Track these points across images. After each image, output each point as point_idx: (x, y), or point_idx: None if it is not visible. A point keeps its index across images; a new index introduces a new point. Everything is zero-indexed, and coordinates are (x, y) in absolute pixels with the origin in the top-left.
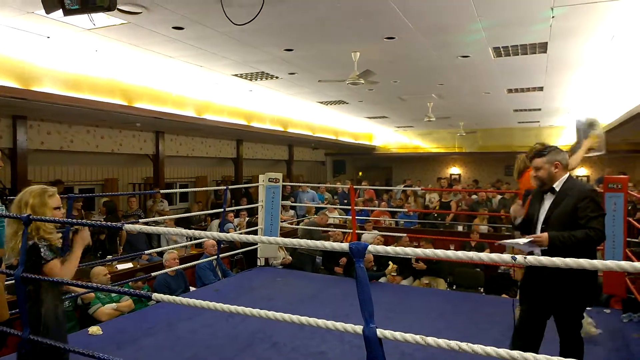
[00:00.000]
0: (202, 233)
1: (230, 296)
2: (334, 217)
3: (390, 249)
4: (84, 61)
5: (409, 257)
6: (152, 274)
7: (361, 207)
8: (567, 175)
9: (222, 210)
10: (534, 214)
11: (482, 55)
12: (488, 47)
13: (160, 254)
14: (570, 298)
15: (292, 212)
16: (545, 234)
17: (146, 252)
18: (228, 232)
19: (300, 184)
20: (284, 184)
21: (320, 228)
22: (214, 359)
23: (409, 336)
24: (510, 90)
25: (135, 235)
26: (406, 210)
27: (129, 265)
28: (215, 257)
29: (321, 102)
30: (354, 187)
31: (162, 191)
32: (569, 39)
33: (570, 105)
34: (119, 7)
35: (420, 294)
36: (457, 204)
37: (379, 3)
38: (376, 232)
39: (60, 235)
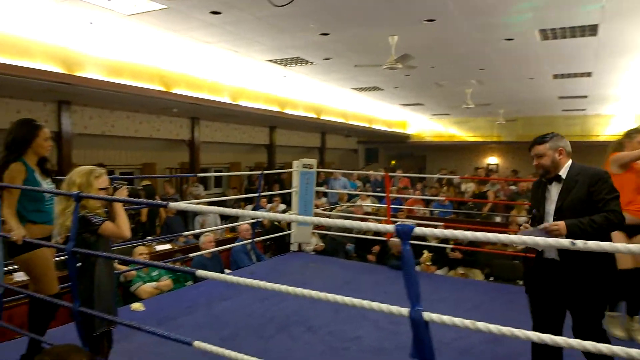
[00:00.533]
0: (250, 212)
1: (264, 279)
2: (366, 205)
3: (439, 232)
4: (125, 47)
5: (447, 245)
6: (190, 255)
7: (396, 195)
8: (570, 161)
9: (256, 195)
10: (539, 206)
11: (528, 38)
12: (534, 29)
13: (197, 237)
14: (588, 292)
15: (324, 199)
16: (562, 222)
17: (185, 233)
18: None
19: (332, 170)
20: (317, 170)
21: (354, 215)
22: (252, 338)
23: (457, 320)
24: (556, 76)
25: (173, 218)
26: (442, 199)
27: (168, 246)
28: (250, 241)
29: (355, 89)
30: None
31: (199, 174)
32: (622, 22)
33: (621, 93)
34: None
35: (456, 284)
36: (495, 194)
37: None
38: (410, 221)
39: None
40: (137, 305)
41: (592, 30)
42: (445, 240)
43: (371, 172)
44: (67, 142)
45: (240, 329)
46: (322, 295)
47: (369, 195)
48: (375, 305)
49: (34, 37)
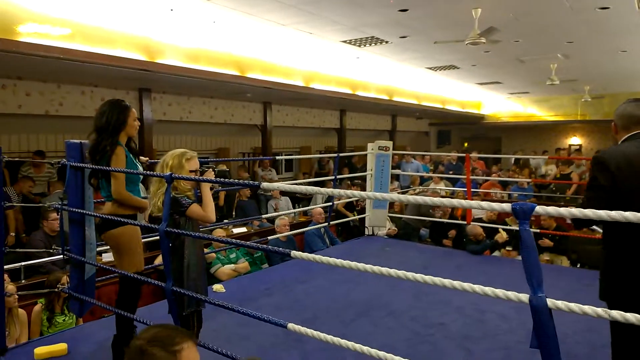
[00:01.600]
0: (345, 192)
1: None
2: (440, 189)
3: (564, 210)
4: (202, 33)
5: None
6: (269, 237)
7: (473, 177)
8: None
9: (331, 178)
10: None
11: (625, 6)
12: None
13: (271, 220)
14: None
15: (395, 183)
16: None
17: (263, 216)
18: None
19: (405, 152)
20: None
21: (428, 197)
22: (334, 321)
23: (587, 308)
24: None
25: (247, 202)
26: (523, 180)
27: (244, 229)
28: (324, 224)
29: (430, 68)
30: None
31: (278, 157)
32: None
33: None
34: None
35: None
36: (580, 177)
37: None
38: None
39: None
40: (218, 287)
41: None
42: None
43: (444, 154)
44: (148, 129)
45: (320, 311)
46: (419, 277)
47: (442, 179)
48: (489, 290)
49: (117, 26)
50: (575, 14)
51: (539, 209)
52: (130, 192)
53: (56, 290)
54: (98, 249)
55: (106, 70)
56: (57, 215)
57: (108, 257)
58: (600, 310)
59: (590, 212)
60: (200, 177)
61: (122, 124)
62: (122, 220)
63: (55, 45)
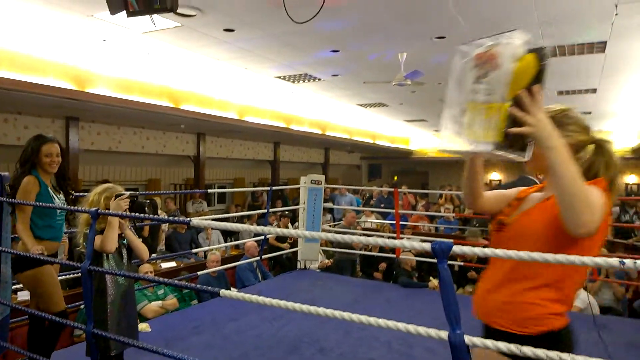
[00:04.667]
0: (270, 229)
1: (272, 297)
2: (371, 222)
3: (478, 250)
4: (136, 64)
5: (455, 262)
6: (198, 273)
7: (402, 212)
8: None
9: (263, 211)
10: None
11: None
12: (544, 45)
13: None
14: None
15: (328, 216)
16: None
17: (193, 251)
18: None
19: (338, 186)
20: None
21: (359, 231)
22: (263, 359)
23: (502, 345)
24: (561, 92)
25: (176, 234)
26: (449, 215)
27: (173, 264)
28: (256, 258)
29: (361, 105)
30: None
31: (210, 191)
32: (631, 38)
33: (623, 109)
34: None
35: (467, 303)
36: None
37: (431, 1)
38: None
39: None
40: (143, 326)
41: (601, 47)
42: (454, 258)
43: (375, 188)
44: (74, 158)
45: (250, 350)
46: (346, 315)
47: (373, 212)
48: (411, 327)
49: (46, 54)
50: None
51: (456, 248)
52: (46, 226)
53: None
54: (13, 287)
55: (32, 98)
56: None
57: (24, 295)
58: (512, 347)
59: (500, 252)
60: (126, 213)
61: (33, 156)
62: (41, 257)
63: None
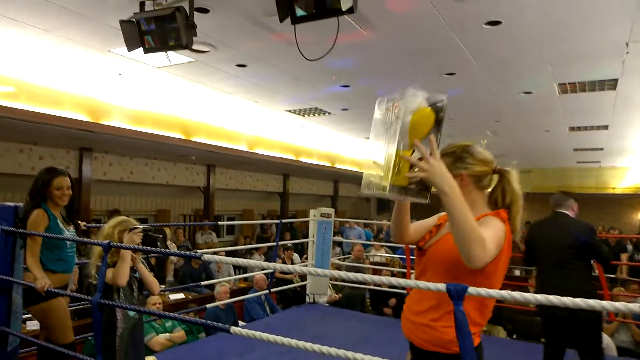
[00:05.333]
0: (282, 266)
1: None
2: (380, 256)
3: (494, 292)
4: (149, 96)
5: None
6: (207, 305)
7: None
8: None
9: (272, 244)
10: None
11: (547, 92)
12: (554, 82)
13: (211, 286)
14: None
15: (337, 249)
16: None
17: (202, 283)
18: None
19: (347, 220)
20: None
21: (368, 266)
22: None
23: None
24: (572, 129)
25: (187, 265)
26: None
27: (181, 295)
28: (265, 292)
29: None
30: None
31: (220, 223)
32: None
33: (637, 145)
34: None
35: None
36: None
37: (442, 39)
38: None
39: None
40: (151, 359)
41: (612, 84)
42: None
43: (384, 222)
44: (86, 188)
45: None
46: (358, 356)
47: (382, 245)
48: None
49: (63, 87)
50: (503, 96)
51: (471, 289)
52: (56, 259)
53: None
54: (23, 317)
55: (49, 129)
56: None
57: (33, 325)
58: None
59: (517, 295)
60: (139, 247)
61: (43, 189)
62: (52, 291)
63: None
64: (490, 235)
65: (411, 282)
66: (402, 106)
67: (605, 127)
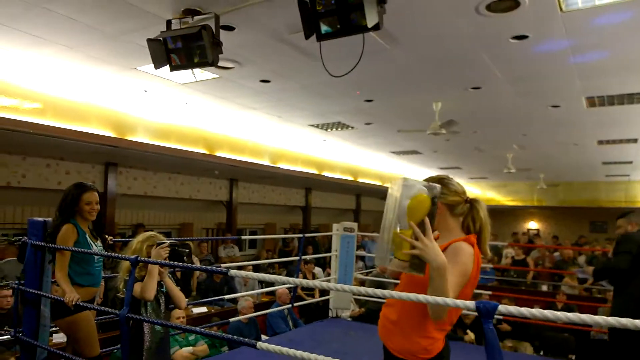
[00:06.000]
0: (307, 281)
1: (303, 347)
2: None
3: (525, 311)
4: (174, 112)
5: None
6: (230, 320)
7: None
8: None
9: (295, 258)
10: None
11: (574, 105)
12: (582, 96)
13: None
14: None
15: (360, 263)
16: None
17: (226, 297)
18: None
19: (370, 234)
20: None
21: (390, 280)
22: None
23: None
24: (600, 142)
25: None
26: (486, 265)
27: (204, 309)
28: (288, 306)
29: (394, 152)
30: None
31: (243, 237)
32: None
33: None
34: None
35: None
36: (536, 262)
37: (468, 53)
38: None
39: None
40: None
41: None
42: None
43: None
44: (111, 202)
45: None
46: None
47: None
48: None
49: (90, 103)
50: (530, 110)
51: (502, 308)
52: (84, 273)
53: None
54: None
55: (75, 145)
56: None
57: (59, 337)
58: None
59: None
60: (166, 261)
61: (72, 204)
62: (80, 304)
63: (26, 121)
64: (454, 282)
65: (439, 299)
66: (402, 192)
67: (635, 141)
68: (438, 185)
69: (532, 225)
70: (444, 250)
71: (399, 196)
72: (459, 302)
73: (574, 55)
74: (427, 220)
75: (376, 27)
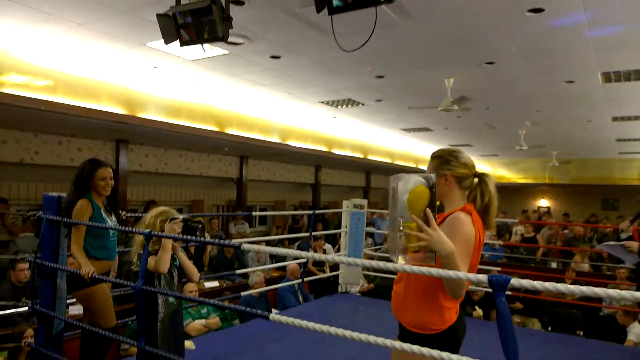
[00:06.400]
0: (318, 255)
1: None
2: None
3: (538, 284)
4: (184, 89)
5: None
6: (242, 293)
7: None
8: None
9: (305, 234)
10: None
11: (590, 81)
12: (597, 71)
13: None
14: None
15: (369, 240)
16: (636, 243)
17: (237, 272)
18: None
19: (379, 211)
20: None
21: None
22: None
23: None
24: (615, 119)
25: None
26: (495, 242)
27: (216, 283)
28: (298, 281)
29: (404, 129)
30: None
31: (254, 213)
32: None
33: None
34: None
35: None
36: (549, 239)
37: (482, 27)
38: None
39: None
40: (188, 344)
41: None
42: None
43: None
44: (123, 179)
45: None
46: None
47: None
48: (455, 357)
49: (100, 79)
50: (544, 86)
51: (514, 281)
52: (99, 247)
53: (21, 345)
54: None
55: (87, 122)
56: (29, 267)
57: (75, 309)
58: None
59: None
60: (180, 236)
61: (87, 180)
62: (96, 277)
63: (38, 98)
64: (461, 254)
65: (452, 273)
66: (399, 187)
67: None
68: (433, 175)
69: (543, 202)
70: (442, 221)
71: (398, 192)
72: (472, 275)
73: (591, 29)
74: (428, 210)
75: (389, 0)
